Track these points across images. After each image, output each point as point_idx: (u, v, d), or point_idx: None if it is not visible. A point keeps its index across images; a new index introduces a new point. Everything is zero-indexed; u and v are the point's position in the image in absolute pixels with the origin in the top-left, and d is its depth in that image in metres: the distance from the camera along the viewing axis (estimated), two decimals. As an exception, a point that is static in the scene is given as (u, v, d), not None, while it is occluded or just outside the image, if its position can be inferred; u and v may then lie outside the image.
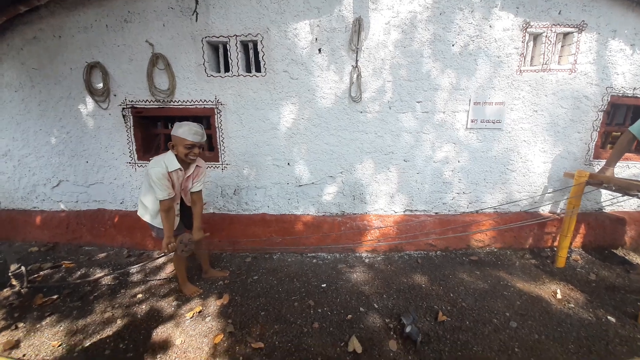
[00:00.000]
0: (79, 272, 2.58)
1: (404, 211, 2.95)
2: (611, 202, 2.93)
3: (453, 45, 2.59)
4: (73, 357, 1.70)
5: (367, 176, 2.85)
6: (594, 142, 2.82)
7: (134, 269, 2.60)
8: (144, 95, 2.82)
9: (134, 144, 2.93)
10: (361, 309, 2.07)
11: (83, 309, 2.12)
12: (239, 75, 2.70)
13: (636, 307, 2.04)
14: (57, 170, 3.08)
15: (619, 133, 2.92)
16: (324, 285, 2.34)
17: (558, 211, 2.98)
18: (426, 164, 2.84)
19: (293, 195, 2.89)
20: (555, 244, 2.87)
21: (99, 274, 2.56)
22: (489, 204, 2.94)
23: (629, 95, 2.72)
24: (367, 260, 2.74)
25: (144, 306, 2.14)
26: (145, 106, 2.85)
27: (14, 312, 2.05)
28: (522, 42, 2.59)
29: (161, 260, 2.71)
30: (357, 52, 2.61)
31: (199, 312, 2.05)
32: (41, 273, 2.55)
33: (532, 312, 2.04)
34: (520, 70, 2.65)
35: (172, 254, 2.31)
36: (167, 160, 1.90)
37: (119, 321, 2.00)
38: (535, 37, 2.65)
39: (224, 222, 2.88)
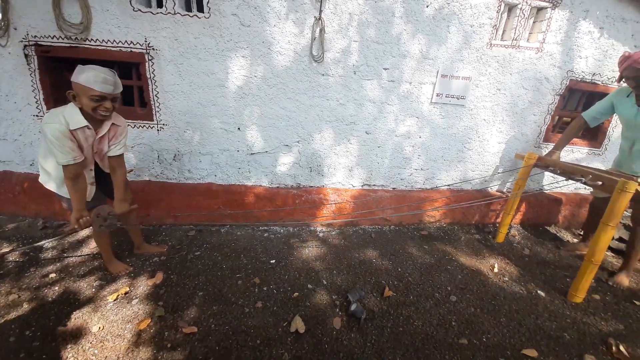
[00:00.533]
0: (-27, 247, 2.13)
1: (362, 185, 2.85)
2: (552, 184, 3.12)
3: (427, 7, 2.34)
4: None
5: (326, 147, 2.65)
6: (546, 126, 2.89)
7: (48, 243, 2.21)
8: (51, 30, 2.20)
9: (41, 92, 2.34)
10: (309, 285, 1.99)
11: (-21, 290, 1.75)
12: (175, 14, 2.19)
13: (565, 283, 2.22)
14: None
15: (570, 119, 3.03)
16: (273, 261, 2.21)
17: (504, 190, 3.12)
18: (388, 137, 2.70)
19: (244, 164, 2.60)
20: (499, 220, 3.03)
21: (5, 248, 2.15)
22: (444, 181, 2.95)
23: (587, 80, 2.77)
24: (321, 235, 2.65)
25: (57, 287, 1.83)
26: (53, 44, 2.23)
27: None
28: (497, 12, 2.42)
29: (84, 232, 2.34)
30: (321, 1, 2.23)
31: (125, 293, 1.81)
32: None
33: (471, 286, 2.13)
34: (491, 44, 2.52)
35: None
36: (68, 115, 1.48)
37: (25, 305, 1.69)
38: (510, 8, 2.49)
39: (163, 191, 2.54)
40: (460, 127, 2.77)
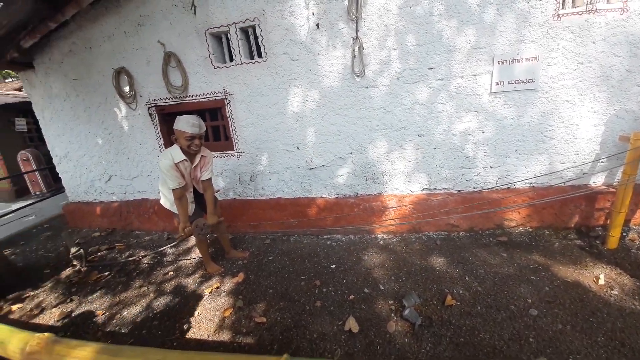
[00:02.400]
0: (127, 253, 3.02)
1: (421, 190, 2.77)
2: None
3: (470, -3, 2.23)
4: (112, 323, 2.04)
5: (379, 155, 2.72)
6: (667, 94, 2.24)
7: (168, 250, 2.94)
8: (163, 94, 3.05)
9: (162, 138, 3.22)
10: (366, 290, 2.06)
11: (127, 283, 2.50)
12: (242, 64, 2.73)
13: None
14: (107, 166, 3.56)
15: None
16: (333, 266, 2.37)
17: (614, 183, 2.49)
18: (444, 137, 2.58)
19: (305, 179, 2.91)
20: (609, 221, 2.43)
21: (141, 254, 2.97)
22: (522, 177, 2.58)
23: None
24: (381, 242, 2.68)
25: (173, 282, 2.44)
26: (166, 103, 3.08)
27: (72, 287, 2.51)
28: (561, -22, 2.11)
29: (193, 242, 3.02)
30: (356, 21, 2.42)
31: (217, 288, 2.27)
32: (99, 254, 3.05)
33: (561, 299, 1.80)
34: (558, 15, 2.18)
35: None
36: (174, 153, 2.06)
37: (151, 294, 2.32)
38: (581, -31, 2.13)
39: (244, 206, 3.06)
40: (535, 114, 2.42)
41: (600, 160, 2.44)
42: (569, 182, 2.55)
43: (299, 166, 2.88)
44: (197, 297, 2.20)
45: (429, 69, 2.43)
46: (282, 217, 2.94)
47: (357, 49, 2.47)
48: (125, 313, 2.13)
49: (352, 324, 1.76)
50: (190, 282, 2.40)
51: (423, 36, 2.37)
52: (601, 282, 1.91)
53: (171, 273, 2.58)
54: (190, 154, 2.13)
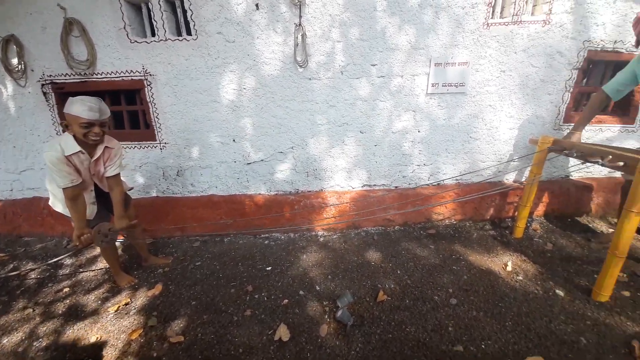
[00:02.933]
0: (12, 265, 2.43)
1: (362, 186, 2.79)
2: (579, 168, 2.80)
3: (411, -4, 2.23)
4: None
5: (321, 151, 2.63)
6: (566, 105, 2.59)
7: (66, 260, 2.45)
8: (62, 69, 2.46)
9: (59, 123, 2.63)
10: (301, 292, 1.98)
11: (8, 304, 2.00)
12: (166, 40, 2.33)
13: (592, 281, 1.96)
14: (-17, 155, 2.80)
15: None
16: (269, 268, 2.24)
17: (523, 180, 2.85)
18: (384, 135, 2.61)
19: (242, 174, 2.68)
20: (516, 214, 2.77)
21: (30, 266, 2.42)
22: (450, 175, 2.78)
23: (609, 49, 2.44)
24: (321, 240, 2.64)
25: (68, 301, 2.01)
26: (66, 81, 2.50)
27: None
28: (490, -11, 2.24)
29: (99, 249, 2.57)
30: (300, 6, 2.24)
31: (126, 304, 1.94)
32: (-28, 268, 2.41)
33: (476, 287, 1.97)
34: (488, 24, 2.33)
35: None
36: (64, 143, 1.65)
37: (37, 318, 1.88)
38: (506, -18, 2.29)
39: (169, 205, 2.70)
40: (463, 117, 2.59)
41: (513, 160, 2.75)
42: (488, 179, 2.83)
43: (235, 160, 2.63)
44: (96, 319, 1.84)
45: (371, 65, 2.40)
46: (216, 216, 2.68)
47: (300, 36, 2.30)
48: (5, 341, 1.70)
49: (282, 332, 1.66)
50: (92, 300, 2.01)
51: (367, 31, 2.30)
52: (509, 268, 2.16)
53: (67, 289, 2.13)
54: (88, 145, 1.73)
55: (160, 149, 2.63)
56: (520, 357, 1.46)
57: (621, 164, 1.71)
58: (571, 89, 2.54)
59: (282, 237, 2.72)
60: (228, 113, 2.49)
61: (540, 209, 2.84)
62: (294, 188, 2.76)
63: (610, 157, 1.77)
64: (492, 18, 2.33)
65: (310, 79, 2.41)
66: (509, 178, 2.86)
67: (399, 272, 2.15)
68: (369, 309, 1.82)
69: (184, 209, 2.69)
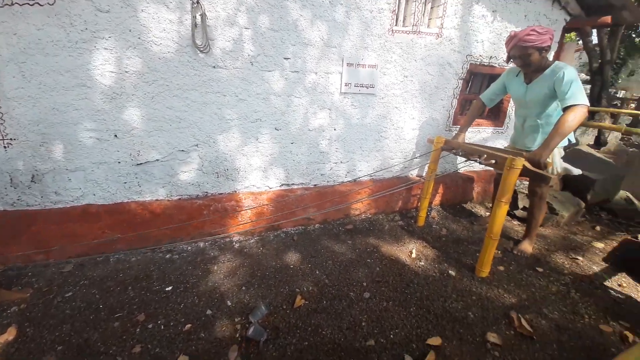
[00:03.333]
0: None
1: (280, 186, 2.65)
2: (465, 164, 3.29)
3: (322, -11, 2.17)
4: None
5: (232, 148, 2.37)
6: (454, 109, 2.99)
7: None
8: None
9: None
10: (208, 311, 1.73)
11: None
12: (12, 4, 1.68)
13: (475, 259, 2.29)
14: None
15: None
16: (169, 288, 1.90)
17: (424, 175, 3.20)
18: (301, 132, 2.52)
19: (131, 177, 2.20)
20: (419, 204, 3.10)
21: None
22: (365, 172, 2.90)
23: (485, 63, 2.90)
24: (236, 246, 2.40)
25: None
26: None
27: None
28: (394, -5, 2.36)
29: None
30: (199, -19, 1.91)
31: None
32: None
33: (387, 278, 2.08)
34: (393, 31, 2.46)
35: None
36: None
37: None
38: (407, -8, 2.45)
39: (23, 221, 2.02)
40: (374, 117, 2.71)
41: (415, 158, 3.04)
42: (396, 175, 3.06)
43: (119, 161, 2.13)
44: None
45: (285, 58, 2.25)
46: (95, 231, 2.13)
47: (199, 17, 1.97)
48: None
49: (182, 366, 1.41)
50: None
51: (278, 21, 2.14)
52: (413, 255, 2.37)
53: None
54: None
55: (4, 147, 1.92)
56: (422, 340, 1.59)
57: (493, 161, 2.03)
58: (457, 96, 2.94)
59: (189, 248, 2.37)
60: (105, 102, 1.98)
61: (437, 199, 3.24)
62: (201, 191, 2.42)
63: (485, 155, 2.08)
64: (396, 25, 2.47)
65: (214, 66, 2.11)
66: (413, 173, 3.17)
67: (317, 272, 2.11)
68: (286, 317, 1.70)
69: (47, 225, 2.05)
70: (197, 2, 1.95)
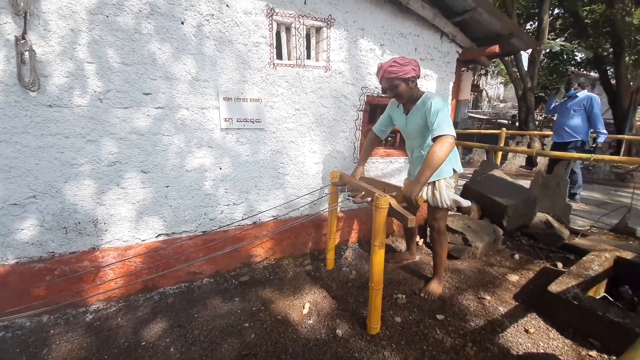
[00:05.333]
0: None
1: (156, 237, 2.28)
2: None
3: (183, 23, 2.03)
4: None
5: (84, 198, 2.02)
6: (358, 141, 2.88)
7: None
8: None
9: None
10: None
11: None
12: None
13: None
14: None
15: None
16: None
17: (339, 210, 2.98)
18: (177, 174, 2.24)
19: None
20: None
21: None
22: (265, 212, 2.62)
23: (381, 95, 2.87)
24: (89, 318, 1.95)
25: None
26: None
27: None
28: (270, 30, 2.28)
29: None
30: (25, 17, 1.69)
31: None
32: None
33: (258, 349, 1.70)
34: (274, 64, 2.36)
35: None
36: None
37: None
38: (287, 27, 2.39)
39: None
40: (267, 152, 2.51)
41: (325, 194, 2.83)
42: (304, 213, 2.81)
43: None
44: None
45: (144, 94, 2.02)
46: None
47: (26, 52, 1.72)
48: None
49: None
50: None
51: (130, 54, 1.94)
52: (305, 311, 2.03)
53: None
54: None
55: None
56: None
57: (369, 199, 1.84)
58: (361, 128, 2.85)
59: (28, 323, 1.89)
60: None
61: (354, 236, 3.00)
62: (45, 251, 1.99)
63: (362, 193, 1.90)
64: (278, 59, 2.38)
65: (50, 105, 1.83)
66: (321, 210, 2.93)
67: (172, 349, 1.70)
68: None
69: None
70: (23, 38, 1.72)
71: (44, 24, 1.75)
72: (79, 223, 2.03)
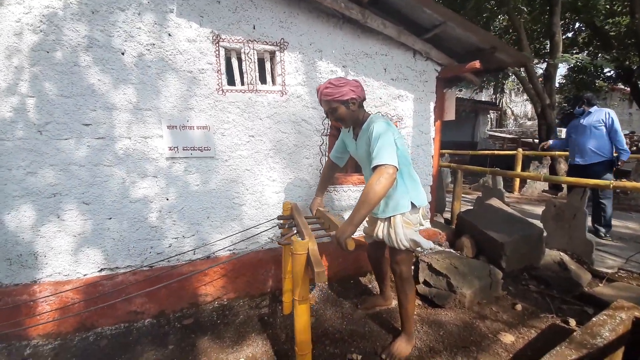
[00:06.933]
0: None
1: (99, 270, 2.19)
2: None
3: (123, 54, 2.02)
4: None
5: (25, 230, 2.00)
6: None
7: None
8: None
9: None
10: None
11: None
12: None
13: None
14: None
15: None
16: None
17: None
18: (120, 205, 2.16)
19: None
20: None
21: None
22: (220, 245, 2.44)
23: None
24: (27, 352, 1.87)
25: None
26: None
27: None
28: (216, 57, 2.21)
29: None
30: (-30, 55, 1.79)
31: None
32: None
33: None
34: (223, 90, 2.26)
35: None
36: None
37: None
38: (237, 53, 2.31)
39: None
40: (220, 182, 2.36)
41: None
42: (265, 247, 2.58)
43: None
44: None
45: (84, 124, 2.02)
46: None
47: (-31, 88, 1.81)
48: None
49: None
50: None
51: (69, 87, 1.96)
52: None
53: None
54: None
55: None
56: None
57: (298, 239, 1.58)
58: (327, 153, 2.62)
59: (-39, 359, 1.85)
60: None
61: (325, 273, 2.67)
62: (-15, 283, 1.99)
63: (296, 230, 1.64)
64: (230, 85, 2.29)
65: (-11, 139, 1.88)
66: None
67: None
68: None
69: None
70: (-34, 75, 1.81)
71: (-13, 63, 1.83)
72: (21, 255, 2.01)
